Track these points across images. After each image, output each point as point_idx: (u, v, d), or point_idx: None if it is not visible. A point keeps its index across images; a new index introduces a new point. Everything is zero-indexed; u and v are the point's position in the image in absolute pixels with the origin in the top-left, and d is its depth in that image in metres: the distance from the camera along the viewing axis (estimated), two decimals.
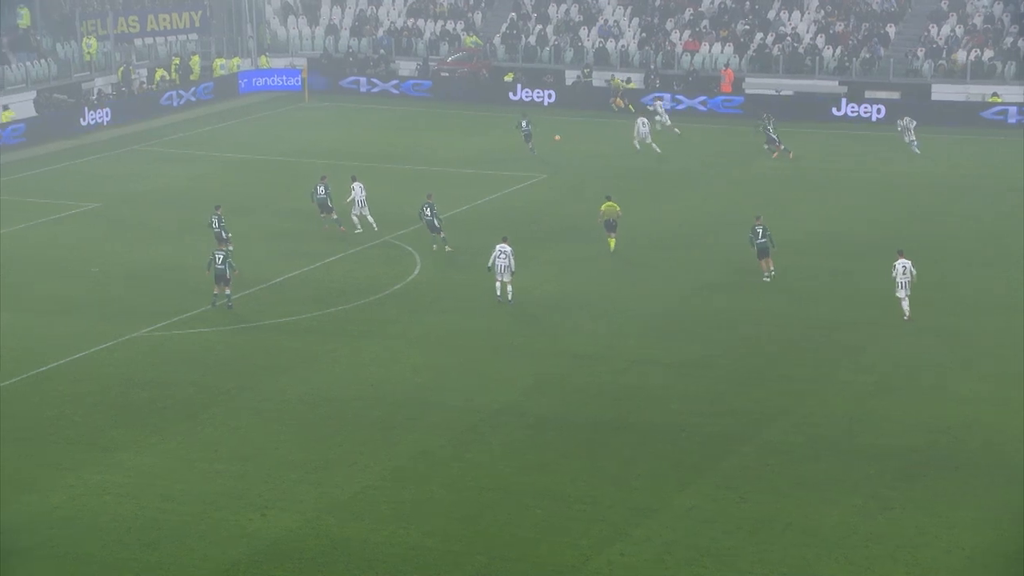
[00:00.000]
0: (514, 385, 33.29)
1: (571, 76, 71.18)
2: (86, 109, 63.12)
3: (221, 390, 32.82)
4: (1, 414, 31.21)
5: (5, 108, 60.36)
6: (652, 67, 70.31)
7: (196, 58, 70.98)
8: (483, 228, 46.66)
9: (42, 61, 65.03)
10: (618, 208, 43.98)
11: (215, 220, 42.30)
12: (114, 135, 61.89)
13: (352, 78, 71.87)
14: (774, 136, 56.96)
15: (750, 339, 36.23)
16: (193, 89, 68.55)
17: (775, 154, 56.50)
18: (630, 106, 66.13)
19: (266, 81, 72.16)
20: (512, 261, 38.71)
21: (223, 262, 38.42)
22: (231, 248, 41.23)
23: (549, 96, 68.92)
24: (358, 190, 45.68)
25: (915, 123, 57.88)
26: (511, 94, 69.41)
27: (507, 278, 38.77)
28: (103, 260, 42.97)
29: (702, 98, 67.22)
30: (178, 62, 69.97)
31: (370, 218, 45.71)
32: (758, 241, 40.43)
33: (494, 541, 25.80)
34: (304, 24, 76.37)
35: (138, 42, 71.01)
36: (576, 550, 25.45)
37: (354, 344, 36.08)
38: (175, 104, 67.13)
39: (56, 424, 30.74)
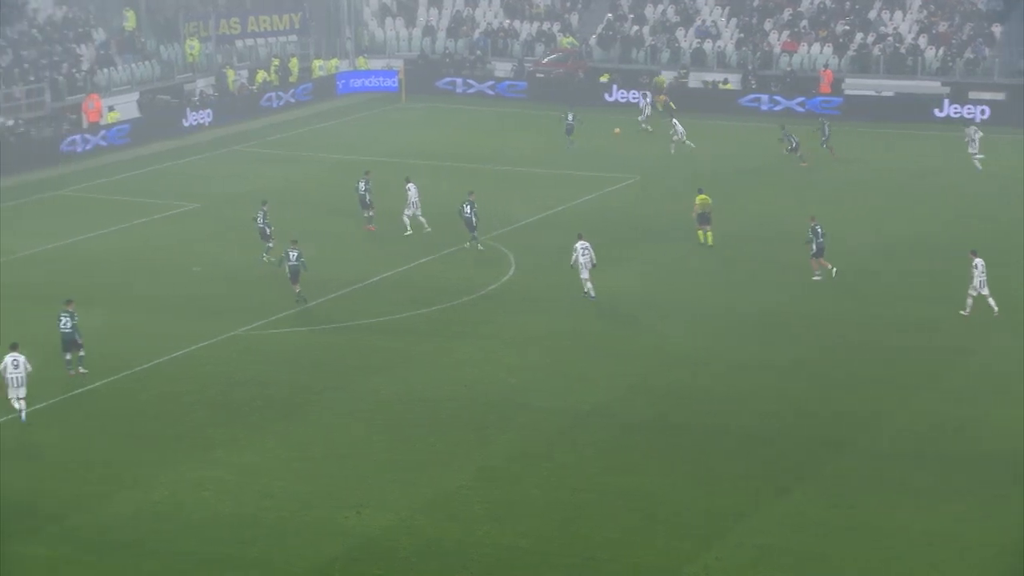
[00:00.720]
0: (608, 387, 33.32)
1: (667, 77, 70.96)
2: (188, 110, 64.23)
3: (317, 389, 33.25)
4: (104, 411, 31.92)
5: (111, 109, 61.66)
6: (749, 68, 69.87)
7: (295, 60, 71.89)
8: (575, 229, 46.73)
9: (146, 63, 66.30)
10: (710, 201, 44.14)
11: (260, 216, 42.87)
12: (215, 136, 62.91)
13: (448, 79, 72.31)
14: (795, 141, 55.60)
15: (848, 341, 35.90)
16: (292, 90, 69.45)
17: (804, 163, 55.66)
18: (671, 103, 66.11)
19: (363, 82, 72.87)
20: (592, 255, 38.90)
21: (297, 259, 38.99)
22: (271, 244, 42.06)
23: (645, 97, 68.73)
24: (412, 192, 45.80)
25: (980, 134, 55.43)
26: (607, 95, 69.38)
27: (586, 274, 39.05)
28: (203, 260, 43.71)
29: (800, 99, 66.66)
30: (278, 63, 70.93)
31: (422, 219, 45.77)
32: (818, 240, 40.45)
33: (587, 542, 25.86)
34: (401, 25, 76.99)
35: (239, 43, 72.10)
36: (670, 553, 25.42)
37: (448, 344, 36.33)
38: (274, 105, 68.05)
39: (157, 421, 31.37)
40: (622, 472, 28.69)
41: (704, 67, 70.84)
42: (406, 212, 45.86)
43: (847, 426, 30.72)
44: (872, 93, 66.47)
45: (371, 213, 46.30)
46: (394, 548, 25.72)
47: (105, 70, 63.70)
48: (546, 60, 72.85)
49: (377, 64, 74.67)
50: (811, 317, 37.92)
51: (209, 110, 64.87)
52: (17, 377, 30.73)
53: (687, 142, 57.50)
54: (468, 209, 43.85)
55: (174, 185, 53.65)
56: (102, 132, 59.50)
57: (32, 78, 60.18)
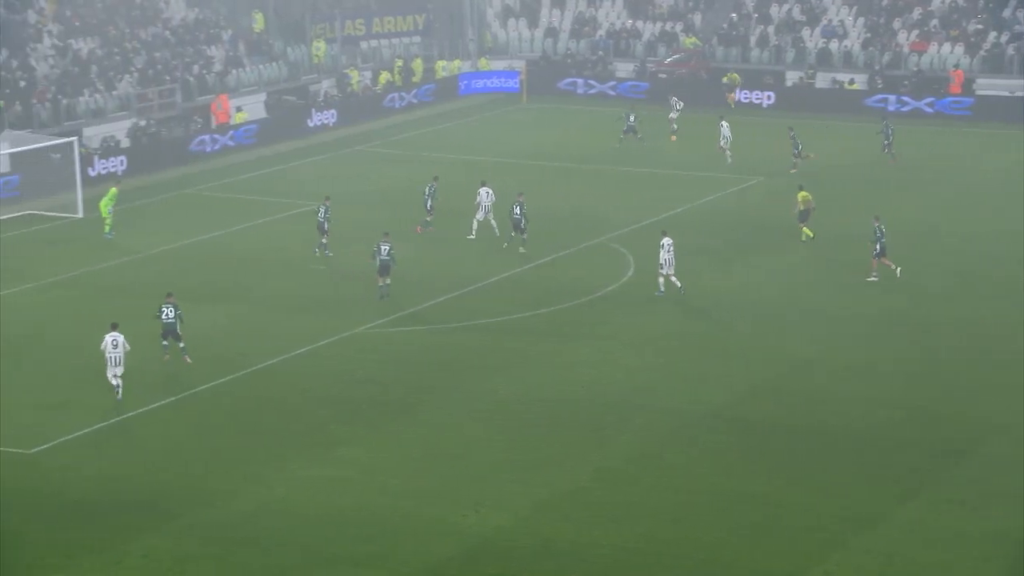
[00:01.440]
0: (726, 388, 33.09)
1: (792, 77, 70.20)
2: (313, 111, 65.17)
3: (436, 388, 33.52)
4: (227, 408, 32.54)
5: (238, 109, 62.79)
6: (876, 68, 68.79)
7: (418, 60, 72.53)
8: (696, 231, 46.46)
9: (273, 64, 67.42)
10: (811, 197, 44.25)
11: (322, 211, 43.44)
12: (339, 136, 63.72)
13: (570, 79, 72.35)
14: (799, 146, 54.30)
15: (975, 346, 35.20)
16: (415, 91, 70.07)
17: (892, 161, 54.38)
18: (731, 96, 65.53)
19: (485, 83, 73.24)
20: (672, 253, 39.42)
21: (388, 253, 39.52)
22: (324, 241, 42.83)
23: (768, 98, 68.11)
24: (484, 195, 45.65)
25: None
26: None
27: (671, 271, 39.31)
28: (325, 258, 44.29)
29: (929, 99, 65.46)
30: (401, 64, 71.63)
31: (493, 222, 45.54)
32: (881, 240, 40.05)
33: (703, 545, 25.71)
34: (524, 26, 77.22)
35: (363, 45, 72.97)
36: (790, 558, 25.16)
37: (566, 345, 36.37)
38: (397, 106, 68.73)
39: (279, 418, 31.88)
40: (739, 475, 28.46)
41: (830, 67, 69.90)
42: (477, 216, 45.65)
43: (972, 432, 30.10)
44: (1006, 94, 64.96)
45: (428, 218, 46.39)
46: (510, 548, 25.82)
47: (234, 71, 64.91)
48: (668, 60, 72.53)
49: (499, 65, 74.98)
50: (930, 320, 37.21)
51: (333, 110, 65.75)
52: (116, 356, 32.02)
53: (728, 152, 55.48)
54: (518, 210, 44.01)
55: (297, 185, 54.44)
56: (230, 132, 60.63)
57: (166, 78, 61.54)
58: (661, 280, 39.78)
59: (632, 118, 59.03)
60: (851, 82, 68.49)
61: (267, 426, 31.35)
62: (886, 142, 55.79)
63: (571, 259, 44.13)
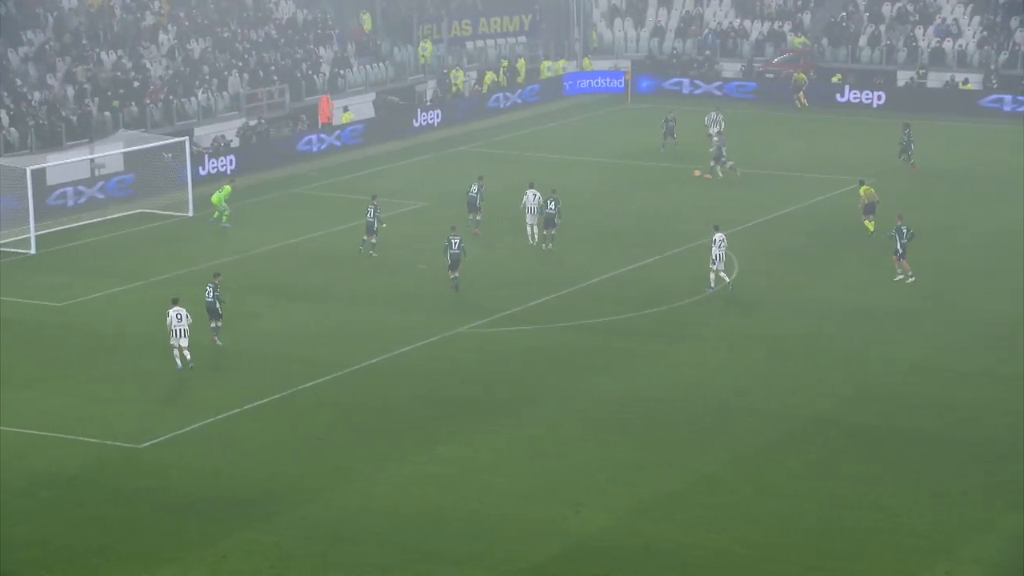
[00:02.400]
0: (832, 392, 32.67)
1: (903, 77, 69.10)
2: (418, 110, 65.59)
3: (539, 387, 33.53)
4: (332, 405, 32.85)
5: (345, 110, 63.41)
6: (992, 68, 67.40)
7: (522, 61, 72.63)
8: (802, 232, 45.97)
9: (380, 64, 67.99)
10: (874, 191, 44.66)
11: (371, 210, 43.91)
12: (443, 136, 64.04)
13: (675, 79, 71.97)
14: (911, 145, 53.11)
15: None
16: (519, 91, 70.18)
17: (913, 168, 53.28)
18: (803, 100, 64.73)
19: (590, 83, 73.13)
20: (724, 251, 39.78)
21: (458, 247, 39.96)
22: (374, 241, 43.55)
23: (879, 98, 67.14)
24: (531, 197, 45.29)
25: None
26: (838, 96, 67.95)
27: (721, 266, 39.53)
28: (429, 257, 44.56)
29: None
30: (506, 65, 71.79)
31: (533, 228, 45.20)
32: (902, 241, 39.99)
33: (807, 551, 25.40)
34: (630, 26, 76.97)
35: (469, 45, 73.27)
36: (895, 566, 24.76)
37: (669, 346, 36.18)
38: (502, 106, 68.89)
39: (383, 415, 32.12)
40: (845, 480, 28.07)
41: (943, 66, 68.66)
42: (528, 220, 45.13)
43: None
44: None
45: (478, 217, 46.35)
46: (612, 548, 25.74)
47: (341, 71, 65.56)
48: (776, 60, 71.81)
49: (604, 65, 74.81)
50: None
51: (438, 111, 66.11)
52: (181, 328, 34.38)
53: (720, 164, 53.47)
54: (552, 206, 44.01)
55: (402, 184, 54.81)
56: (336, 132, 61.28)
57: (275, 78, 62.37)
58: (712, 276, 40.00)
59: (670, 119, 57.68)
60: (965, 82, 67.20)
61: (369, 424, 31.60)
62: (908, 151, 53.83)
63: (674, 260, 43.90)
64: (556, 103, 70.76)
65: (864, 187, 45.57)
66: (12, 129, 52.42)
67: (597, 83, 73.04)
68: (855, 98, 67.53)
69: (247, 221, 49.03)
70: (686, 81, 71.67)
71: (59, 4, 59.75)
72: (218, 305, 36.00)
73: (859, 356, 35.01)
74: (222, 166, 56.02)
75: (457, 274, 40.21)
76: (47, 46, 57.33)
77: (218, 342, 36.07)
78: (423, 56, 70.00)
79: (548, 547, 25.79)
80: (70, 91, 55.87)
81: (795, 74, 68.41)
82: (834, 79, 69.38)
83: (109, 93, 56.27)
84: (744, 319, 38.12)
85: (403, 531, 26.42)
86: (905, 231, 40.26)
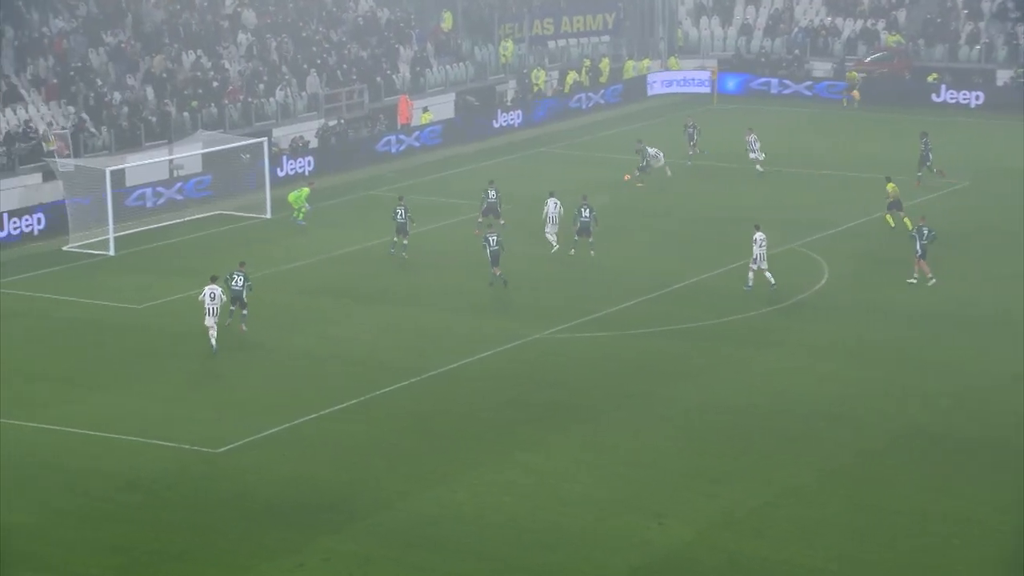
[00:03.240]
0: (926, 402, 32.19)
1: (1003, 76, 67.96)
2: (499, 111, 65.66)
3: (622, 394, 33.37)
4: (409, 410, 32.91)
5: (425, 110, 63.62)
6: None
7: (605, 60, 72.42)
8: (896, 236, 45.38)
9: (460, 64, 68.14)
10: (898, 189, 45.73)
11: (400, 211, 44.36)
12: (523, 137, 64.03)
13: (763, 79, 71.43)
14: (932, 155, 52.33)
15: None
16: (602, 91, 70.01)
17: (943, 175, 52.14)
18: (856, 97, 65.10)
19: (675, 83, 72.78)
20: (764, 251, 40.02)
21: (496, 243, 40.52)
22: (406, 242, 43.97)
23: (976, 98, 66.09)
24: (552, 206, 44.79)
25: None
26: (934, 96, 67.00)
27: (764, 265, 39.80)
28: (507, 262, 44.48)
29: None
30: (589, 64, 71.63)
31: (551, 237, 44.72)
32: (922, 242, 40.18)
33: (903, 569, 25.01)
34: (716, 24, 76.49)
35: (551, 44, 73.20)
36: None
37: (756, 353, 35.86)
38: (583, 107, 68.76)
39: (463, 421, 32.14)
40: (942, 494, 27.62)
41: None
42: (547, 229, 44.56)
43: None
44: None
45: (502, 221, 46.20)
46: (695, 562, 25.51)
47: (421, 71, 65.77)
48: (869, 59, 70.98)
49: (689, 65, 74.39)
50: None
51: (519, 111, 66.14)
52: (214, 307, 35.77)
53: (654, 167, 53.11)
54: (586, 213, 43.97)
55: (479, 186, 54.82)
56: (415, 133, 61.54)
57: (354, 78, 62.77)
58: (751, 274, 40.20)
59: (692, 122, 56.56)
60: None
61: (447, 430, 31.63)
62: (927, 163, 52.54)
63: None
64: (640, 104, 70.51)
65: (890, 184, 46.22)
66: (94, 130, 53.23)
67: (682, 83, 72.67)
68: (952, 98, 66.57)
69: (325, 223, 49.33)
70: (774, 81, 71.07)
71: (139, 1, 60.54)
72: (245, 294, 37.18)
73: (955, 365, 34.45)
74: (300, 167, 56.50)
75: (499, 271, 40.67)
76: (125, 45, 58.05)
77: (243, 328, 37.16)
78: (504, 56, 70.06)
79: (629, 559, 25.62)
80: (150, 92, 56.58)
81: (848, 72, 67.97)
82: (930, 78, 68.44)
83: (187, 92, 56.93)
84: (832, 325, 37.68)
85: (481, 540, 26.39)
86: (927, 232, 40.39)
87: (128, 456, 30.15)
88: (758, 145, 54.59)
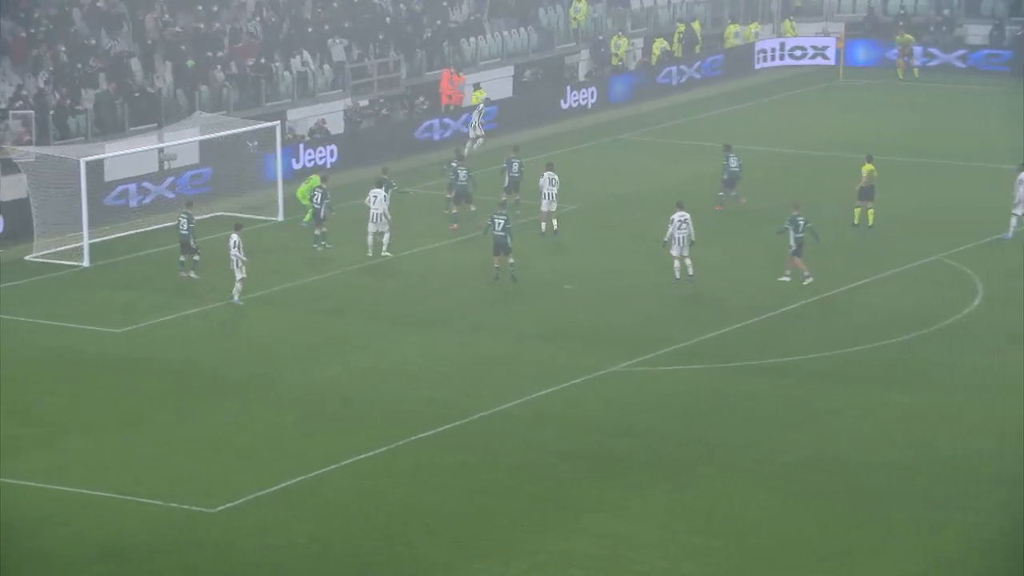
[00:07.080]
0: None
1: (913, 37, 68.15)
2: (568, 88, 65.77)
3: (713, 444, 33.38)
4: (452, 461, 33.01)
5: (476, 87, 62.74)
6: None
7: (697, 24, 72.17)
8: None
9: (522, 30, 68.16)
10: (875, 172, 46.66)
11: (317, 194, 47.19)
12: (598, 120, 64.16)
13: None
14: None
15: None
16: (698, 64, 70.07)
17: None
18: (912, 65, 66.59)
19: (790, 53, 72.68)
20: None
21: (503, 228, 41.37)
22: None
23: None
24: (546, 180, 47.21)
25: None
26: None
27: (686, 252, 41.66)
28: (575, 276, 44.59)
29: None
30: (682, 30, 71.65)
31: (555, 223, 47.22)
32: (797, 235, 42.10)
33: None
34: None
35: (634, 5, 73.29)
36: None
37: (889, 392, 35.82)
38: (674, 83, 68.84)
39: (515, 476, 32.22)
40: None
41: None
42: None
43: None
44: None
45: (472, 207, 48.40)
46: None
47: (471, 39, 65.85)
48: None
49: (809, 30, 74.27)
50: None
51: (593, 88, 66.27)
52: (240, 259, 41.58)
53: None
54: (516, 167, 45.97)
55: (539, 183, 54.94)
56: (464, 116, 61.40)
57: (390, 49, 62.83)
58: (676, 264, 42.34)
59: (462, 174, 51.03)
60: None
61: (500, 486, 31.73)
62: None
63: (898, 280, 43.60)
64: (746, 79, 70.53)
65: (866, 166, 47.33)
66: (66, 108, 53.35)
67: (799, 53, 72.58)
68: None
69: (350, 226, 49.45)
70: (918, 50, 70.76)
71: None
72: (192, 240, 42.83)
73: None
74: (320, 157, 56.70)
75: (511, 260, 41.62)
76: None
77: (193, 275, 42.59)
78: (576, 19, 70.22)
79: None
80: (136, 63, 56.86)
81: (901, 35, 68.22)
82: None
83: (183, 48, 56.83)
84: (992, 358, 37.57)
85: None
86: (802, 223, 41.68)
87: (104, 517, 30.44)
88: None
